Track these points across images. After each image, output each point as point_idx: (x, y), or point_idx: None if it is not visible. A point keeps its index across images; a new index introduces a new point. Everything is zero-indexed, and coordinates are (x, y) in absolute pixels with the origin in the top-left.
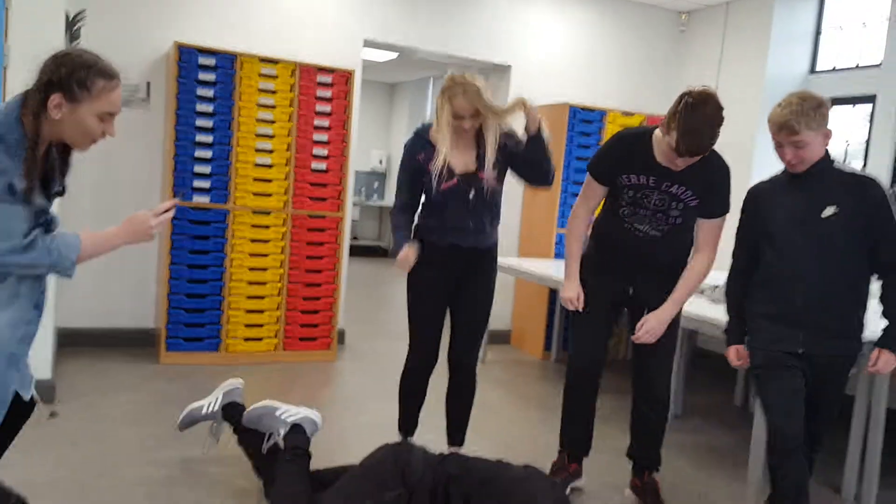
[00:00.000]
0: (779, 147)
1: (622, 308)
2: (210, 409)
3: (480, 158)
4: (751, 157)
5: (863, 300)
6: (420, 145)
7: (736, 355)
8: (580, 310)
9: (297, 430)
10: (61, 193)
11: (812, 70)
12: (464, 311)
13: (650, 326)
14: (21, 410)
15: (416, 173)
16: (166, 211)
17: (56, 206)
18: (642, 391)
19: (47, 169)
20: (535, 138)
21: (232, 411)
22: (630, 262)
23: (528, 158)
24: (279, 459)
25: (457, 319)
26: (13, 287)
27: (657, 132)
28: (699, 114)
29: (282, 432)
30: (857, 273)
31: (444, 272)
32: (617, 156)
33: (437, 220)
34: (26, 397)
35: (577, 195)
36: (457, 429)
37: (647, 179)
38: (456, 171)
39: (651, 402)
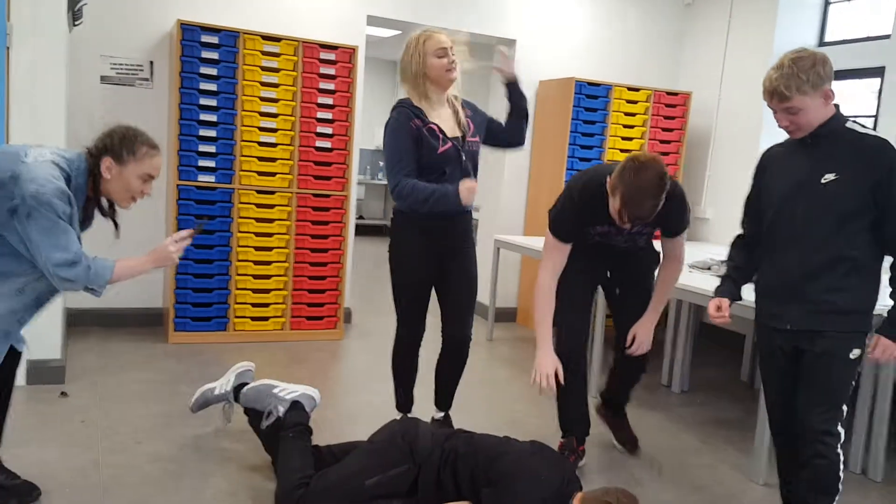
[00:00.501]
0: (774, 114)
1: (597, 286)
2: (222, 389)
3: (462, 124)
4: (759, 131)
5: (868, 274)
6: (409, 114)
7: (714, 307)
8: (553, 386)
9: (296, 406)
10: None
11: (821, 42)
12: (456, 282)
13: (640, 339)
14: (15, 358)
15: (415, 141)
16: (187, 237)
17: None
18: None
19: (89, 215)
20: (515, 84)
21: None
22: (604, 256)
23: (515, 104)
24: (282, 437)
25: (448, 291)
26: (20, 285)
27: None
28: (640, 182)
29: (281, 410)
30: (860, 244)
31: (431, 244)
32: (577, 215)
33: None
34: (20, 349)
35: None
36: (445, 394)
37: (609, 227)
38: (448, 135)
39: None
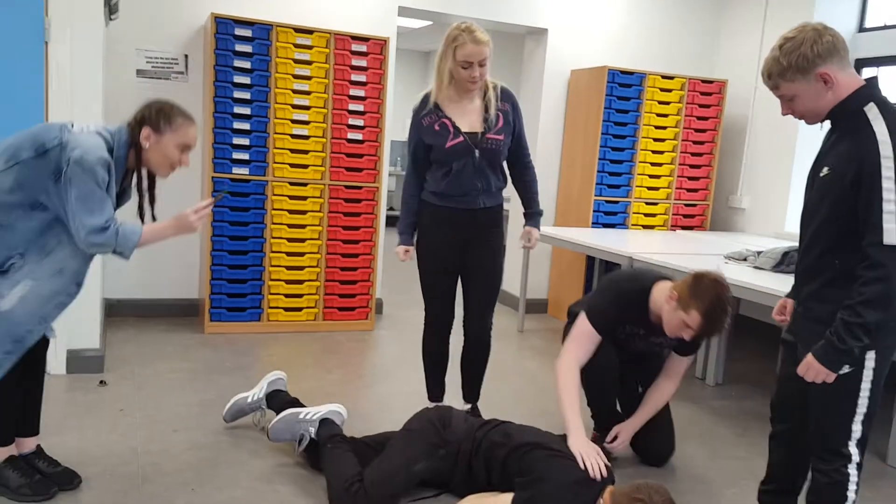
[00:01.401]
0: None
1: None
2: (255, 397)
3: (488, 121)
4: (796, 123)
5: (853, 281)
6: (424, 107)
7: (778, 308)
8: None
9: (325, 423)
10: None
11: (861, 28)
12: (474, 277)
13: (622, 439)
14: (44, 346)
15: (420, 138)
16: (206, 206)
17: None
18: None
19: (126, 187)
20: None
21: (276, 398)
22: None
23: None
24: (322, 450)
25: (468, 286)
26: (60, 263)
27: (658, 295)
28: (722, 303)
29: (312, 431)
30: (846, 251)
31: (453, 234)
32: (619, 314)
33: (444, 181)
34: (50, 336)
35: (614, 161)
36: (472, 385)
37: (639, 329)
38: (462, 130)
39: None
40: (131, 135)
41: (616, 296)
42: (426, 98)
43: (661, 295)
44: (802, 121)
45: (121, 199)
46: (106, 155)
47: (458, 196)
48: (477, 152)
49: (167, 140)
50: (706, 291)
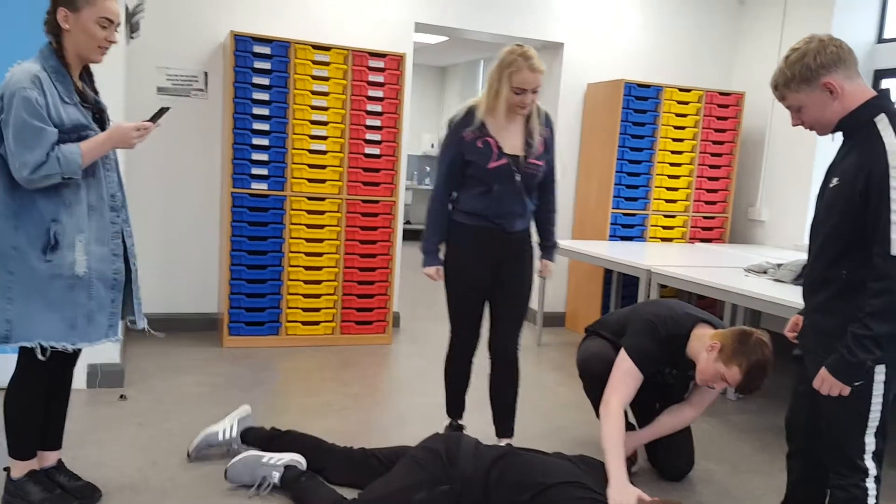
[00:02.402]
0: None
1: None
2: (226, 435)
3: (529, 145)
4: (814, 135)
5: (861, 293)
6: (468, 122)
7: (791, 325)
8: None
9: (290, 468)
10: (101, 111)
11: (879, 38)
12: (504, 297)
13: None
14: (70, 359)
15: (460, 152)
16: (149, 126)
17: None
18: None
19: (83, 90)
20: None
21: (251, 435)
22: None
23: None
24: (296, 487)
25: (497, 305)
26: (84, 202)
27: (697, 342)
28: (764, 365)
29: (276, 475)
30: (854, 263)
31: (486, 255)
32: (660, 357)
33: (482, 202)
34: (142, 325)
35: (631, 174)
36: (504, 420)
37: (671, 369)
38: (505, 151)
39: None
40: (52, 28)
41: (659, 341)
42: (470, 112)
43: (699, 343)
44: (817, 133)
45: (86, 101)
46: (34, 71)
47: (495, 217)
48: (518, 176)
49: (85, 17)
50: (752, 352)
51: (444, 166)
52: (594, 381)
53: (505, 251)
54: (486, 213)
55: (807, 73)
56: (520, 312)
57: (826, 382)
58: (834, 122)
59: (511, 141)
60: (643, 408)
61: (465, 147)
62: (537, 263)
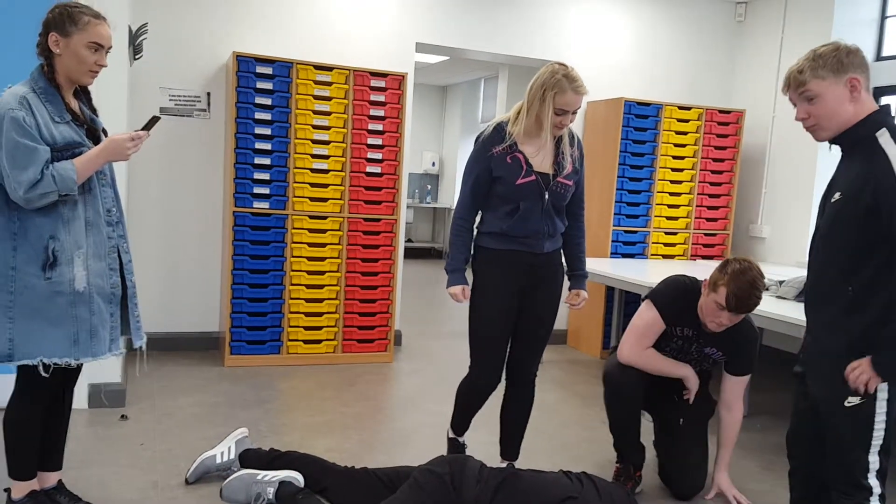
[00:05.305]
0: (796, 108)
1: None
2: (224, 458)
3: (560, 164)
4: (816, 148)
5: (866, 315)
6: (498, 138)
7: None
8: None
9: (286, 484)
10: (96, 129)
11: (878, 56)
12: (529, 319)
13: (725, 487)
14: (70, 375)
15: (488, 168)
16: (143, 136)
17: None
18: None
19: (78, 109)
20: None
21: (250, 456)
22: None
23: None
24: (291, 503)
25: (521, 327)
26: (82, 217)
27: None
28: (748, 276)
29: (270, 491)
30: (859, 279)
31: (513, 280)
32: (681, 305)
33: (508, 221)
34: (141, 344)
35: (632, 191)
36: (512, 442)
37: (689, 331)
38: (534, 168)
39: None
40: (44, 51)
41: (678, 288)
42: (500, 128)
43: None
44: (811, 135)
45: (79, 123)
46: (22, 92)
47: (522, 237)
48: (546, 194)
49: (76, 42)
50: (732, 268)
51: (469, 182)
52: (617, 392)
53: (533, 275)
54: (512, 233)
55: (837, 65)
56: (544, 336)
57: (860, 370)
58: (840, 125)
59: (539, 158)
60: (668, 429)
61: (493, 162)
62: (565, 291)
